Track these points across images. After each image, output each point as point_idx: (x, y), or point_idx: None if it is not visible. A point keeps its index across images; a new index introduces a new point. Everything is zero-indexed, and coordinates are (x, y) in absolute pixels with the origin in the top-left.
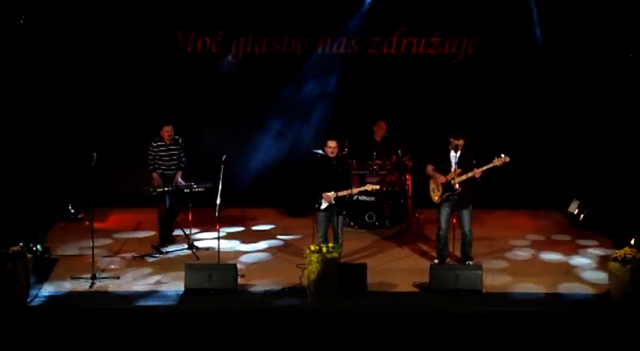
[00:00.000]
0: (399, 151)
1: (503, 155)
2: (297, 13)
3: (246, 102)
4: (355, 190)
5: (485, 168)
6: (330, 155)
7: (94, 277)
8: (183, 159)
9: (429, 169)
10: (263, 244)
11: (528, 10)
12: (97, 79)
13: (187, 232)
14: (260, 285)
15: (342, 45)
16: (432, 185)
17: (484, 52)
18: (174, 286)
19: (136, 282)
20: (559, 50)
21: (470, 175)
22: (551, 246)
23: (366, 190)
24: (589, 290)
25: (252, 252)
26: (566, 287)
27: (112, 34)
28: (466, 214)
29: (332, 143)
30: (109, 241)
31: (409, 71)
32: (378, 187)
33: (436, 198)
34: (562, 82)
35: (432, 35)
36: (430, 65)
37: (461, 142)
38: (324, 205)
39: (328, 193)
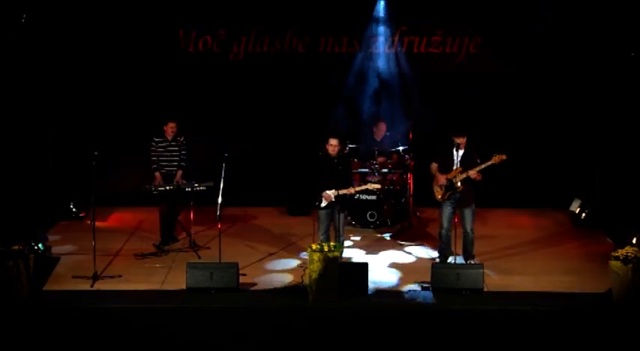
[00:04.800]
0: (401, 150)
1: (500, 153)
2: (299, 12)
3: (248, 100)
4: (356, 189)
5: (479, 168)
6: (332, 153)
7: (95, 277)
8: (184, 158)
9: (433, 167)
10: (266, 244)
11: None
12: (99, 78)
13: (189, 231)
14: (261, 284)
15: (344, 44)
16: (435, 185)
17: (486, 51)
18: (175, 285)
19: (137, 281)
20: (560, 49)
21: (465, 175)
22: (553, 245)
23: (367, 189)
24: (590, 289)
25: (253, 251)
26: (567, 286)
27: (113, 33)
28: (468, 213)
29: (333, 141)
30: (110, 240)
31: (410, 70)
32: (379, 186)
33: (439, 197)
34: (564, 80)
35: (433, 34)
36: (432, 64)
37: (462, 140)
38: (324, 202)
39: (329, 192)
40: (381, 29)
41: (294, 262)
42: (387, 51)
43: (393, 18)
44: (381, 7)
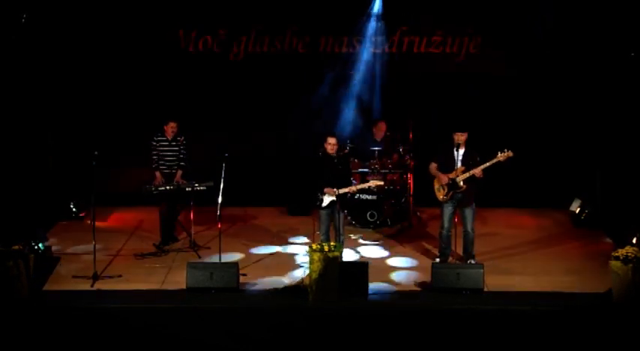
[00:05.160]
0: (401, 150)
1: (506, 150)
2: (299, 12)
3: (247, 101)
4: (358, 187)
5: (484, 166)
6: (331, 152)
7: (95, 277)
8: (184, 157)
9: (433, 167)
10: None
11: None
12: (99, 78)
13: (189, 231)
14: (261, 283)
15: (344, 44)
16: (436, 185)
17: (486, 51)
18: (175, 284)
19: (137, 281)
20: (561, 49)
21: (470, 173)
22: (553, 245)
23: (369, 187)
24: (590, 289)
25: (254, 251)
26: (567, 286)
27: (113, 33)
28: (469, 212)
29: (332, 140)
30: (110, 240)
31: (411, 70)
32: (381, 182)
33: (441, 197)
34: (564, 81)
35: (433, 34)
36: (432, 64)
37: (463, 138)
38: (325, 202)
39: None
40: (373, 28)
41: (294, 262)
42: (385, 51)
43: (387, 17)
44: (376, 5)
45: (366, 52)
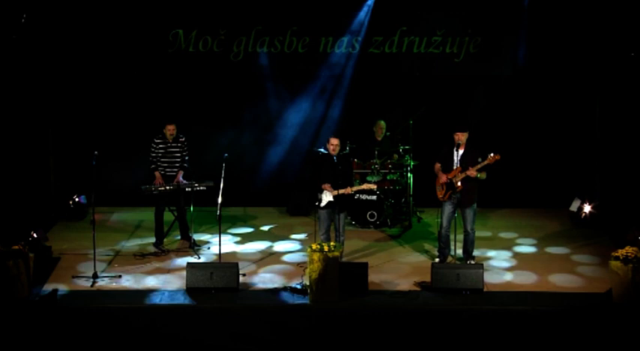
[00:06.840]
0: (401, 150)
1: (495, 153)
2: (299, 12)
3: (248, 101)
4: (353, 189)
5: (476, 167)
6: (332, 153)
7: (95, 276)
8: (186, 158)
9: (437, 167)
10: (265, 243)
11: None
12: (99, 78)
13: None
14: (261, 283)
15: (344, 44)
16: (437, 184)
17: (486, 51)
18: (175, 284)
19: (137, 281)
20: (560, 49)
21: (464, 174)
22: (553, 245)
23: (364, 189)
24: (590, 289)
25: (253, 251)
26: (567, 286)
27: (113, 33)
28: (469, 213)
29: (334, 141)
30: (110, 240)
31: (411, 71)
32: (374, 186)
33: (440, 196)
34: (564, 81)
35: (433, 34)
36: (432, 64)
37: (463, 137)
38: (324, 202)
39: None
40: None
41: (294, 262)
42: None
43: (387, 17)
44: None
45: (364, 52)
